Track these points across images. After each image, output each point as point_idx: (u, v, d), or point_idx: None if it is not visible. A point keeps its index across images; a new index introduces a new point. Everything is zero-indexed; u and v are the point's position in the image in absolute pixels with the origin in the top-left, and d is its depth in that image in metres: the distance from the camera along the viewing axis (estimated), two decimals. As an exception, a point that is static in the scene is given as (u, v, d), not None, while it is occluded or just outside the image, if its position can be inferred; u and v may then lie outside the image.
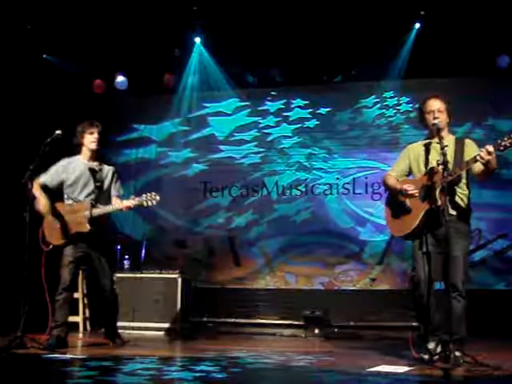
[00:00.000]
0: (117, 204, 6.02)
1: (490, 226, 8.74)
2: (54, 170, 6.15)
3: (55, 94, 8.99)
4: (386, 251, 9.04)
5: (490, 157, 4.73)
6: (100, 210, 5.99)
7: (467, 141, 5.29)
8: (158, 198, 5.94)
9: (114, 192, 6.21)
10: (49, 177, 6.12)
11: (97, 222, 5.98)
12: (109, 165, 6.38)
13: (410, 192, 5.11)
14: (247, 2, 8.07)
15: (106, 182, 6.19)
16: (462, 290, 4.98)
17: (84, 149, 6.17)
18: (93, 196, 6.05)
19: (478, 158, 4.78)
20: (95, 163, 6.19)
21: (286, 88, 9.87)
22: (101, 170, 6.18)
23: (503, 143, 4.67)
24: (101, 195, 6.11)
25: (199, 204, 9.94)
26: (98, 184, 6.09)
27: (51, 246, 5.98)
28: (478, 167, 4.98)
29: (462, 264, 5.01)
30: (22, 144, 7.97)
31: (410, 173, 5.42)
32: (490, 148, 4.71)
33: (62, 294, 5.91)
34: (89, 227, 5.90)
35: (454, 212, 5.06)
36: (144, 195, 5.95)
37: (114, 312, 6.43)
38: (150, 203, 5.92)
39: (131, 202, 5.93)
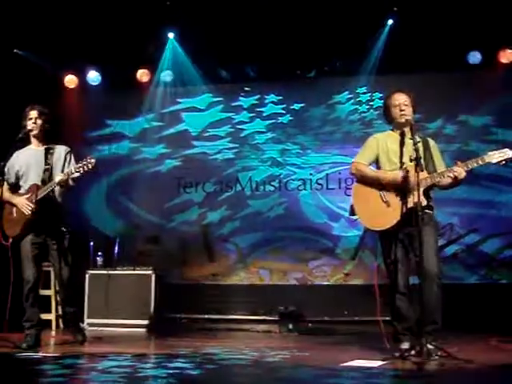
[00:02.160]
0: (57, 178, 5.62)
1: (462, 221, 8.84)
2: (7, 166, 5.90)
3: (27, 89, 8.88)
4: (360, 246, 9.08)
5: (461, 176, 4.96)
6: (42, 190, 5.68)
7: (430, 141, 5.36)
8: (93, 160, 5.53)
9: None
10: (6, 174, 5.90)
11: (46, 206, 5.72)
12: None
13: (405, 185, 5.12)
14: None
15: (58, 164, 5.88)
16: (439, 280, 5.02)
17: (30, 135, 5.93)
18: (40, 180, 5.77)
19: (449, 174, 4.99)
20: (45, 147, 5.91)
21: (260, 83, 9.87)
22: (51, 152, 5.88)
23: (469, 165, 4.96)
24: (52, 178, 5.76)
25: (173, 200, 9.91)
26: (46, 167, 5.79)
27: (11, 240, 5.74)
28: (446, 181, 5.10)
29: (437, 255, 5.08)
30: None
31: (374, 163, 5.44)
32: (457, 172, 4.95)
33: (29, 293, 5.73)
34: (30, 210, 5.64)
35: (427, 210, 5.11)
36: (79, 162, 5.58)
37: (70, 306, 6.09)
38: (86, 168, 5.51)
39: (66, 172, 5.60)
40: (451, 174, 4.98)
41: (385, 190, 5.17)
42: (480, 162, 4.97)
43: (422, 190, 4.88)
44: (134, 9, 8.18)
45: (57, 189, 5.78)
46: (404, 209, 5.03)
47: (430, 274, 4.96)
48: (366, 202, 5.29)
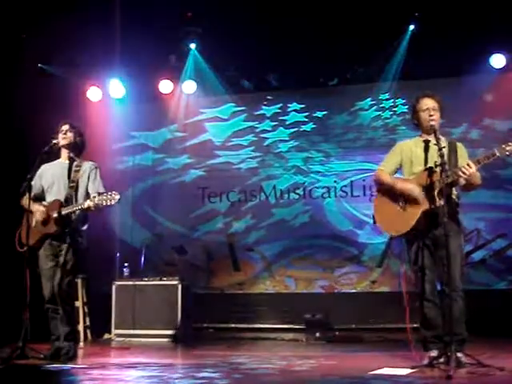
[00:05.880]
0: (85, 203, 5.57)
1: (489, 226, 8.74)
2: (35, 177, 5.92)
3: (51, 102, 8.97)
4: (386, 253, 9.02)
5: (470, 171, 4.87)
6: (67, 208, 5.65)
7: (458, 144, 5.31)
8: (117, 197, 5.51)
9: (91, 191, 5.83)
10: (34, 186, 5.90)
11: (67, 222, 5.70)
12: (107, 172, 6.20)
13: (415, 195, 5.07)
14: (242, 6, 8.07)
15: (83, 180, 5.86)
16: (460, 290, 4.97)
17: (61, 149, 5.95)
18: (64, 196, 5.77)
19: (459, 173, 4.91)
20: (75, 162, 5.90)
21: (282, 92, 9.88)
22: (77, 168, 5.85)
23: (481, 161, 4.89)
24: (77, 195, 5.81)
25: (197, 210, 9.93)
26: (71, 184, 5.79)
27: (25, 248, 5.67)
28: (461, 181, 5.05)
29: (458, 263, 5.02)
30: (19, 152, 7.97)
31: (398, 169, 5.41)
32: (466, 168, 4.88)
33: (47, 307, 5.71)
34: (55, 228, 5.66)
35: (450, 212, 5.06)
36: (104, 195, 5.55)
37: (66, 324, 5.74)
38: (108, 202, 5.49)
39: (89, 203, 5.53)
40: (460, 172, 4.93)
41: (402, 196, 5.16)
42: (491, 157, 4.90)
43: (436, 191, 4.90)
44: (156, 20, 8.23)
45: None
46: (420, 213, 5.01)
47: (451, 285, 4.91)
48: (384, 209, 5.29)
